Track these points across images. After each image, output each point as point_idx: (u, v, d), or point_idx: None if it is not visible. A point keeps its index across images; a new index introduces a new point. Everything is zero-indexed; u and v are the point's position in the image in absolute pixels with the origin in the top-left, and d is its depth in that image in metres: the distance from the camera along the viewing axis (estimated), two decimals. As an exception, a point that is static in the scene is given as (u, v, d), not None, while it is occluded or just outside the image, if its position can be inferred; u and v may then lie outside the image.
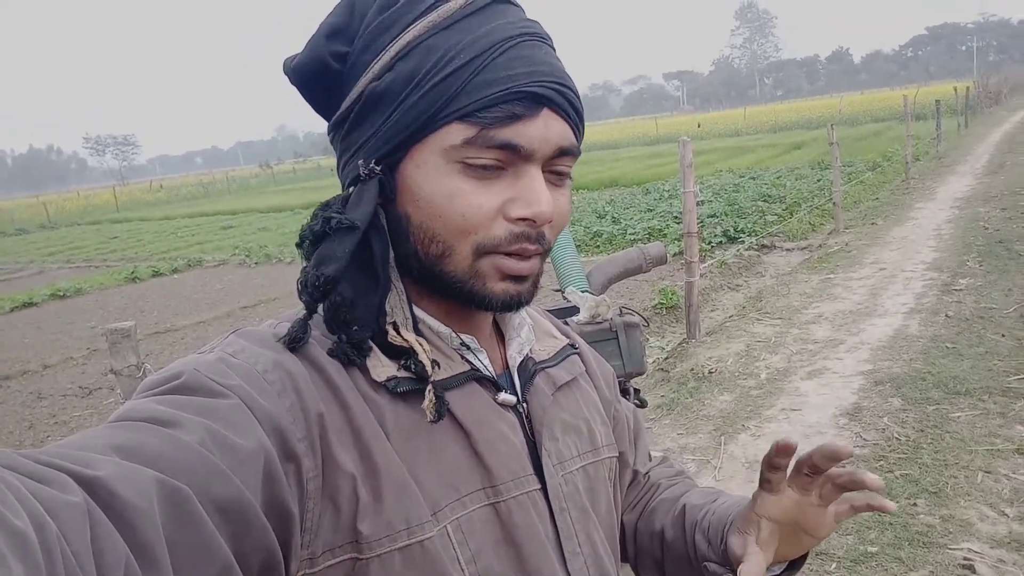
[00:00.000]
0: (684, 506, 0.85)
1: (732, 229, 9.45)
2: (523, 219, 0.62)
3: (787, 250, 8.66)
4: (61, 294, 11.19)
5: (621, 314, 2.96)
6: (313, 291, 0.61)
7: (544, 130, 0.62)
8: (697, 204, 5.56)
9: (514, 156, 0.62)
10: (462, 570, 0.62)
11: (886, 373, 4.41)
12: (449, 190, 0.62)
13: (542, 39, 0.65)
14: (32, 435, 5.13)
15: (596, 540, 0.73)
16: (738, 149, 24.30)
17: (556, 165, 0.65)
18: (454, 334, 0.69)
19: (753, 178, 14.61)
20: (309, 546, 0.58)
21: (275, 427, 0.55)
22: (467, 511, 0.64)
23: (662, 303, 6.45)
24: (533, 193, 0.62)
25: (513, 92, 0.60)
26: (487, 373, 0.70)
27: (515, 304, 0.66)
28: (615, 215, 11.74)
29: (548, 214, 0.62)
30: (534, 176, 0.62)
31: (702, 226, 9.08)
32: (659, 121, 53.26)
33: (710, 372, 4.85)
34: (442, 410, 0.63)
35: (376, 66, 0.63)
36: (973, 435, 3.53)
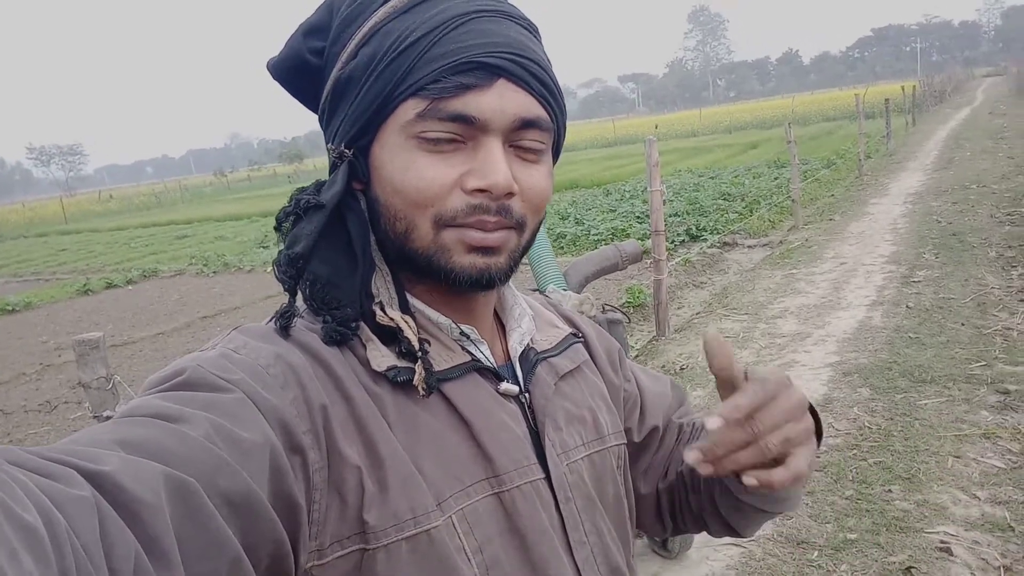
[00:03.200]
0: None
1: (694, 228, 9.57)
2: (479, 191, 0.62)
3: (749, 247, 8.79)
4: (10, 308, 10.78)
5: (604, 311, 2.98)
6: (286, 269, 0.64)
7: (499, 100, 0.61)
8: (663, 203, 5.60)
9: (471, 128, 0.61)
10: (468, 560, 0.62)
11: (853, 364, 4.49)
12: (405, 165, 0.62)
13: (506, 15, 0.65)
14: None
15: (603, 529, 0.73)
16: (696, 149, 24.66)
17: (522, 139, 0.64)
18: (454, 324, 0.69)
19: (712, 177, 14.82)
20: (317, 537, 0.58)
21: (279, 420, 0.56)
22: (471, 501, 0.64)
23: (630, 302, 6.49)
24: (489, 164, 0.61)
25: (463, 63, 0.60)
26: (488, 364, 0.70)
27: (485, 278, 0.64)
28: (578, 216, 11.79)
29: (503, 186, 0.61)
30: (492, 148, 0.62)
31: (665, 225, 9.17)
32: (616, 123, 53.82)
33: (682, 368, 4.89)
34: (431, 383, 0.63)
35: (343, 55, 0.65)
36: (941, 421, 3.61)
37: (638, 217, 10.82)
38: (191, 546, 0.44)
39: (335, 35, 0.66)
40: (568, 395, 0.76)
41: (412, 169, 0.62)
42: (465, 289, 0.65)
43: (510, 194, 0.63)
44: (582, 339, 0.84)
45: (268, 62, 0.70)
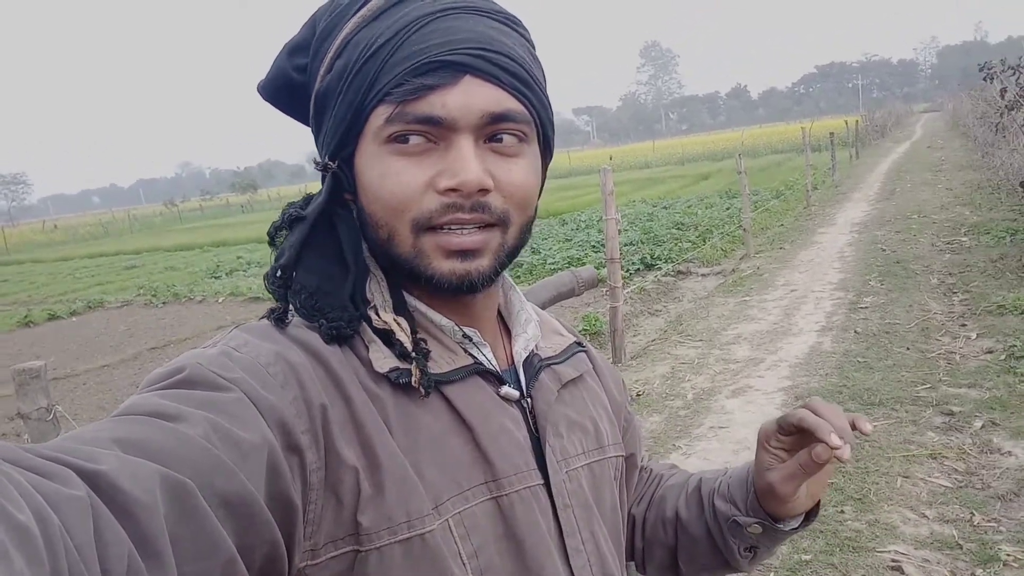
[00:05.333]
0: (699, 481, 0.88)
1: (649, 256, 9.70)
2: (451, 190, 0.61)
3: (702, 275, 8.93)
4: (-54, 341, 10.37)
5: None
6: (273, 281, 0.65)
7: (465, 97, 0.61)
8: (618, 232, 5.67)
9: (440, 129, 0.61)
10: (463, 565, 0.61)
11: (805, 388, 4.57)
12: (381, 171, 0.62)
13: (474, 10, 0.64)
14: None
15: (600, 537, 0.73)
16: (649, 180, 25.11)
17: (496, 133, 0.63)
18: (456, 327, 0.68)
19: (666, 207, 15.09)
20: (311, 538, 0.57)
21: (278, 420, 0.55)
22: (469, 505, 0.63)
23: (586, 329, 6.52)
24: (458, 163, 0.61)
25: (424, 64, 0.60)
26: (490, 367, 0.69)
27: (467, 282, 0.64)
28: (534, 245, 11.84)
29: (473, 182, 0.60)
30: (461, 146, 0.61)
31: (621, 254, 9.28)
32: (571, 155, 54.59)
33: (638, 395, 4.92)
34: (426, 384, 0.63)
35: (322, 69, 0.65)
36: (890, 443, 3.69)
37: (593, 246, 10.94)
38: (185, 547, 0.43)
39: (314, 50, 0.66)
40: (570, 403, 0.76)
41: (387, 175, 0.62)
42: (448, 294, 0.65)
43: (485, 190, 0.62)
44: (585, 349, 0.84)
45: (258, 84, 0.71)
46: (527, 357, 0.74)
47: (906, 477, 3.34)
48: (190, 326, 9.63)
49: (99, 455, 0.43)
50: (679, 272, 9.06)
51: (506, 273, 0.74)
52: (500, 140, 0.63)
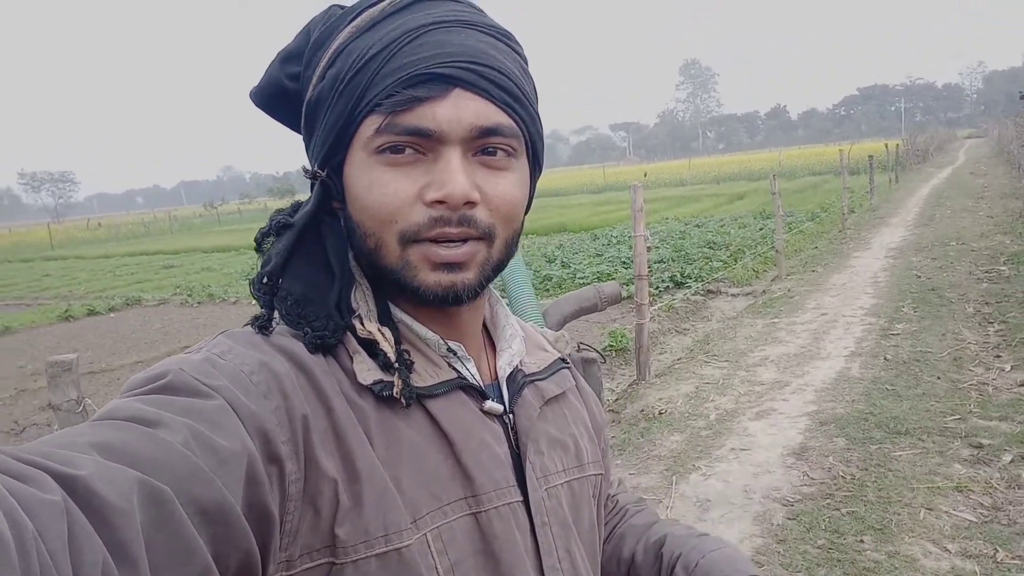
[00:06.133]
0: (665, 536, 0.86)
1: (679, 274, 9.64)
2: (438, 202, 0.61)
3: (732, 295, 8.86)
4: (-11, 332, 10.67)
5: (579, 350, 2.99)
6: (259, 287, 0.65)
7: (455, 111, 0.61)
8: (648, 249, 5.66)
9: (429, 141, 0.61)
10: None
11: (830, 414, 4.51)
12: (369, 181, 0.63)
13: (466, 24, 0.64)
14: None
15: (576, 556, 0.73)
16: (683, 198, 24.98)
17: (485, 147, 0.64)
18: (441, 340, 0.69)
19: (698, 226, 14.99)
20: (287, 548, 0.57)
21: (259, 429, 0.55)
22: (448, 520, 0.63)
23: (612, 345, 6.51)
24: (446, 175, 0.61)
25: (415, 76, 0.61)
26: (474, 382, 0.70)
27: (452, 295, 0.64)
28: (564, 260, 11.88)
29: (459, 195, 0.61)
30: (449, 159, 0.61)
31: (650, 271, 9.23)
32: (606, 170, 54.50)
33: (660, 413, 4.89)
34: (410, 396, 0.64)
35: (314, 78, 0.66)
36: (914, 473, 3.62)
37: (624, 262, 10.91)
38: (161, 554, 0.43)
39: (307, 59, 0.67)
40: (552, 420, 0.77)
41: (375, 185, 0.62)
42: (434, 305, 0.65)
43: (471, 203, 0.62)
44: (569, 366, 0.84)
45: (250, 91, 0.71)
46: (511, 372, 0.75)
47: (930, 509, 3.28)
48: (223, 326, 9.69)
49: (77, 460, 0.42)
50: (709, 291, 8.99)
51: (493, 288, 0.74)
52: (489, 153, 0.64)
